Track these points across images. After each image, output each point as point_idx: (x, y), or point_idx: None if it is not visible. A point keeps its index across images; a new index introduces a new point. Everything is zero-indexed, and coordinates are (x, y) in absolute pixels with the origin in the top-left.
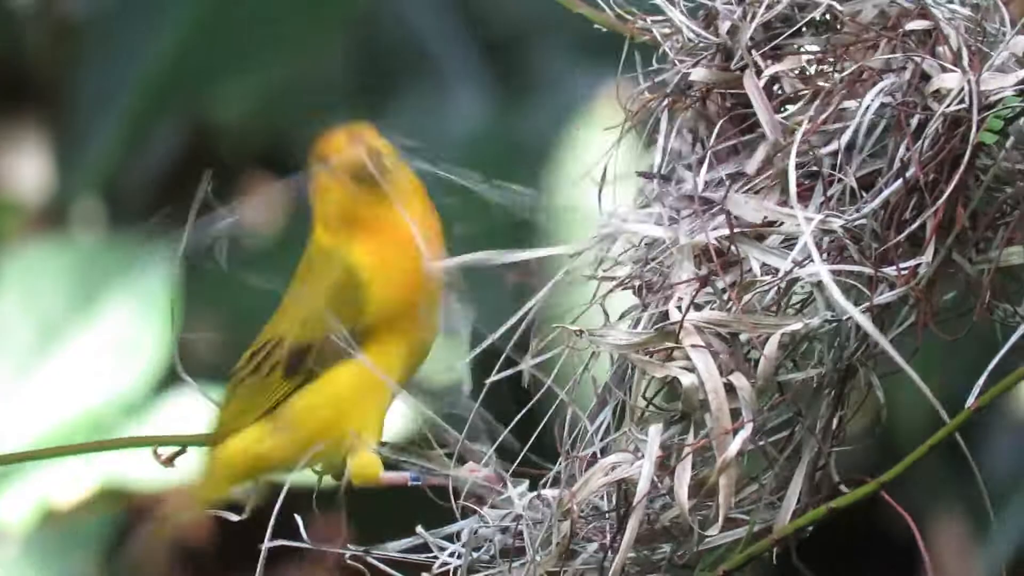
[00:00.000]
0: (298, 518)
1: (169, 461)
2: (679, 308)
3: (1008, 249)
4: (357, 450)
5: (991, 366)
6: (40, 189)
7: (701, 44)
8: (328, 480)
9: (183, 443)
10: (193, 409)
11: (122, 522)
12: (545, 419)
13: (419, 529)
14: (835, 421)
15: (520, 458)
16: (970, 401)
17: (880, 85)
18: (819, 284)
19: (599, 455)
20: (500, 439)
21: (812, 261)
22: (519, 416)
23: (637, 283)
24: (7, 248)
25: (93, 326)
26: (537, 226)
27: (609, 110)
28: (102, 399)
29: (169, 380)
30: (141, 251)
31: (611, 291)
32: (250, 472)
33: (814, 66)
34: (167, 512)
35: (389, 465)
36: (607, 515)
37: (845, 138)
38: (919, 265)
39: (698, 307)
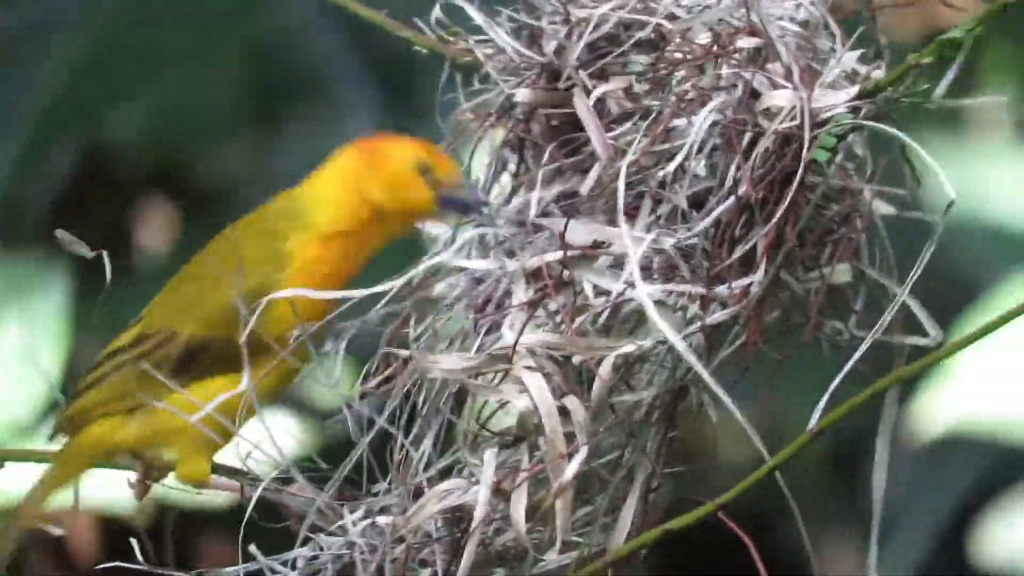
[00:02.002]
0: (133, 541)
1: None
2: (511, 330)
3: (837, 267)
4: (191, 455)
5: (831, 389)
6: None
7: (525, 64)
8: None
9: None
10: None
11: None
12: (361, 446)
13: (254, 549)
14: (666, 442)
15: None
16: (811, 424)
17: (712, 104)
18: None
19: (426, 482)
20: (343, 466)
21: (643, 281)
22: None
23: (468, 306)
24: None
25: None
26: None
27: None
28: None
29: (61, 401)
30: (36, 272)
31: (437, 315)
32: (106, 457)
33: (641, 85)
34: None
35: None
36: (441, 540)
37: (678, 158)
38: (750, 284)
39: (530, 329)
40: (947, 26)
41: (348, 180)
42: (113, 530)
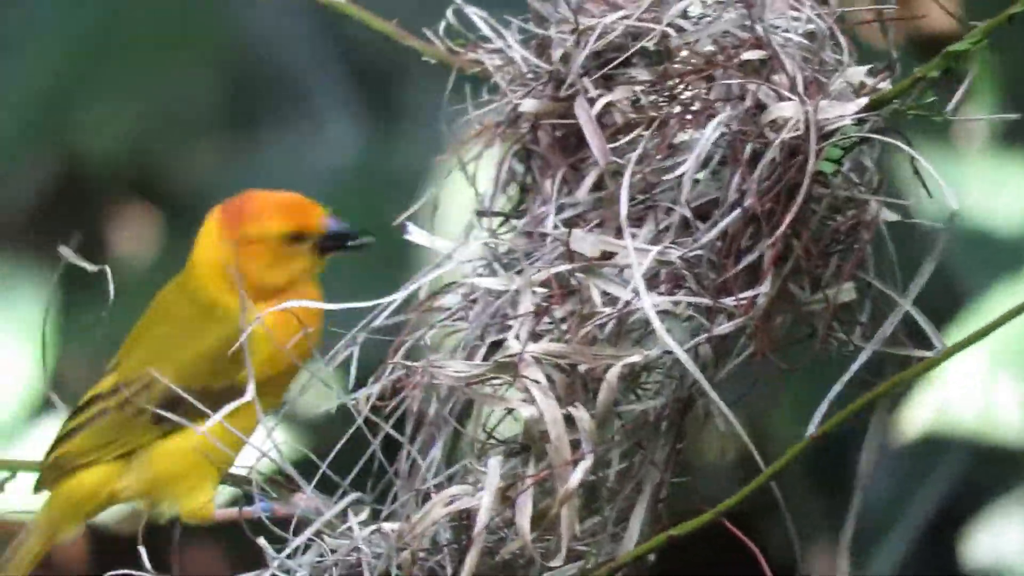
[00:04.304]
0: (142, 550)
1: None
2: (518, 339)
3: (843, 286)
4: (194, 492)
5: (830, 396)
6: None
7: (532, 74)
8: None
9: (13, 468)
10: None
11: None
12: (368, 451)
13: (266, 545)
14: (675, 452)
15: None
16: (810, 430)
17: (719, 116)
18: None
19: (434, 488)
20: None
21: (649, 292)
22: (338, 447)
23: (473, 313)
24: None
25: None
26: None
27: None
28: None
29: (41, 407)
30: (14, 277)
31: (443, 321)
32: (99, 508)
33: (647, 96)
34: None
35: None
36: (446, 548)
37: (684, 168)
38: (756, 295)
39: (537, 337)
40: (928, 31)
41: (227, 272)
42: (102, 539)
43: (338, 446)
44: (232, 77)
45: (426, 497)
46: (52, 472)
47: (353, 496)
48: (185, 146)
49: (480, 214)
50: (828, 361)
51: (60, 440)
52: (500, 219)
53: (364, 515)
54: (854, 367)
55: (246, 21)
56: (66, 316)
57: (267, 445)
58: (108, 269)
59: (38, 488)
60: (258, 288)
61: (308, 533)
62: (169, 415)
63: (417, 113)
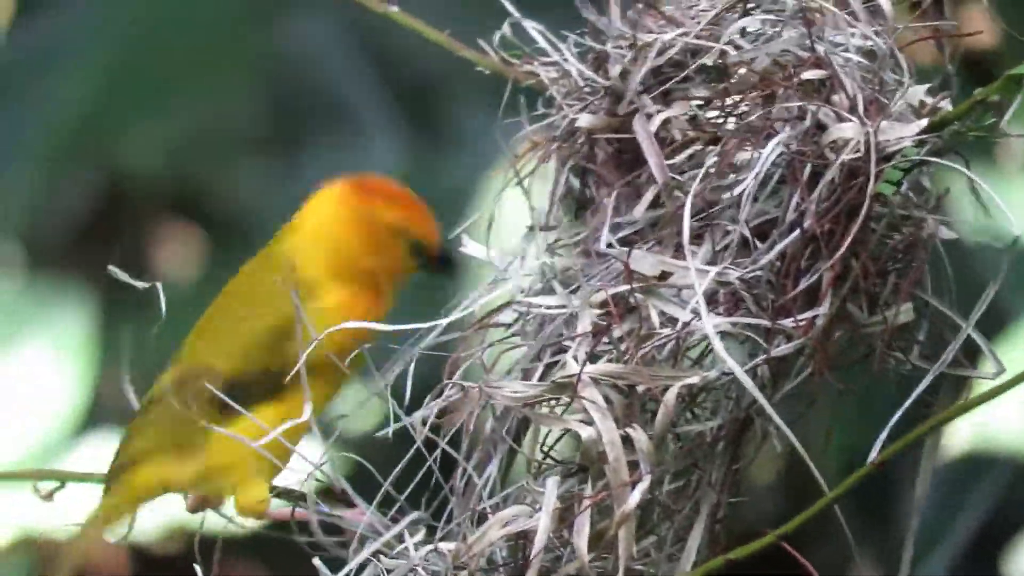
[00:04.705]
0: (197, 567)
1: (49, 496)
2: (575, 359)
3: (902, 307)
4: (248, 485)
5: (892, 421)
6: None
7: (589, 88)
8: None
9: (63, 478)
10: (110, 453)
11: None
12: (424, 468)
13: (320, 565)
14: (731, 472)
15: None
16: (872, 456)
17: (779, 136)
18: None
19: (490, 508)
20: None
21: (709, 312)
22: (400, 465)
23: (529, 332)
24: None
25: (11, 370)
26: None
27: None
28: (20, 443)
29: (86, 424)
30: (59, 295)
31: (503, 341)
32: (153, 497)
33: (705, 113)
34: (71, 552)
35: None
36: (502, 567)
37: (743, 187)
38: (815, 316)
39: (594, 357)
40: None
41: (339, 246)
42: (145, 560)
43: (399, 468)
44: (274, 94)
45: (482, 516)
46: (117, 473)
47: (414, 516)
48: (228, 164)
49: (537, 229)
50: (882, 381)
51: (124, 442)
52: (555, 235)
53: (421, 535)
54: (919, 389)
55: (288, 38)
56: (109, 334)
57: (318, 458)
58: (159, 286)
59: (107, 490)
60: (352, 268)
61: (366, 553)
62: (229, 402)
63: (460, 129)
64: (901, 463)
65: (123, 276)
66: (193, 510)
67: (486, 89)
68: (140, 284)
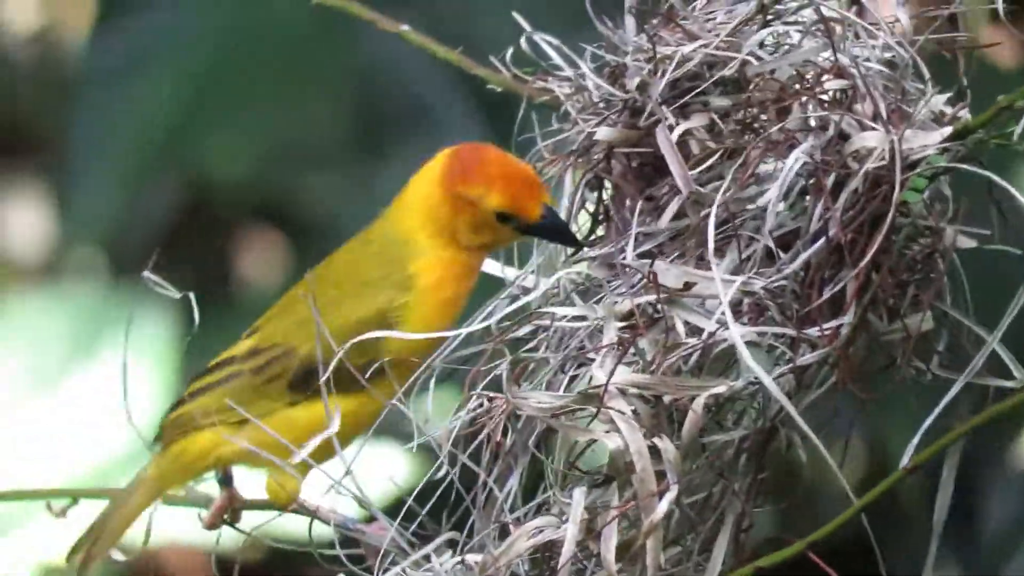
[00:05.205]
0: None
1: (62, 513)
2: (602, 369)
3: (923, 316)
4: (285, 471)
5: (923, 427)
6: (39, 242)
7: (605, 102)
8: None
9: (74, 495)
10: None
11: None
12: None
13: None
14: (756, 482)
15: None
16: (904, 462)
17: (802, 146)
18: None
19: (513, 520)
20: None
21: (734, 323)
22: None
23: (552, 344)
24: (6, 300)
25: (92, 377)
26: None
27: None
28: (102, 451)
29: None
30: (141, 302)
31: (525, 352)
32: (206, 470)
33: (725, 124)
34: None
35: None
36: None
37: (767, 198)
38: (840, 326)
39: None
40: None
41: (438, 218)
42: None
43: (421, 483)
44: (356, 102)
45: (506, 528)
46: (172, 430)
47: (445, 536)
48: (311, 172)
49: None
50: (903, 389)
51: (185, 399)
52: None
53: (444, 549)
54: (947, 398)
55: (371, 48)
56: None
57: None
58: (192, 296)
59: (156, 443)
60: (450, 238)
61: (396, 571)
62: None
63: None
64: (983, 472)
65: (161, 283)
66: (210, 527)
67: None
68: (174, 293)
